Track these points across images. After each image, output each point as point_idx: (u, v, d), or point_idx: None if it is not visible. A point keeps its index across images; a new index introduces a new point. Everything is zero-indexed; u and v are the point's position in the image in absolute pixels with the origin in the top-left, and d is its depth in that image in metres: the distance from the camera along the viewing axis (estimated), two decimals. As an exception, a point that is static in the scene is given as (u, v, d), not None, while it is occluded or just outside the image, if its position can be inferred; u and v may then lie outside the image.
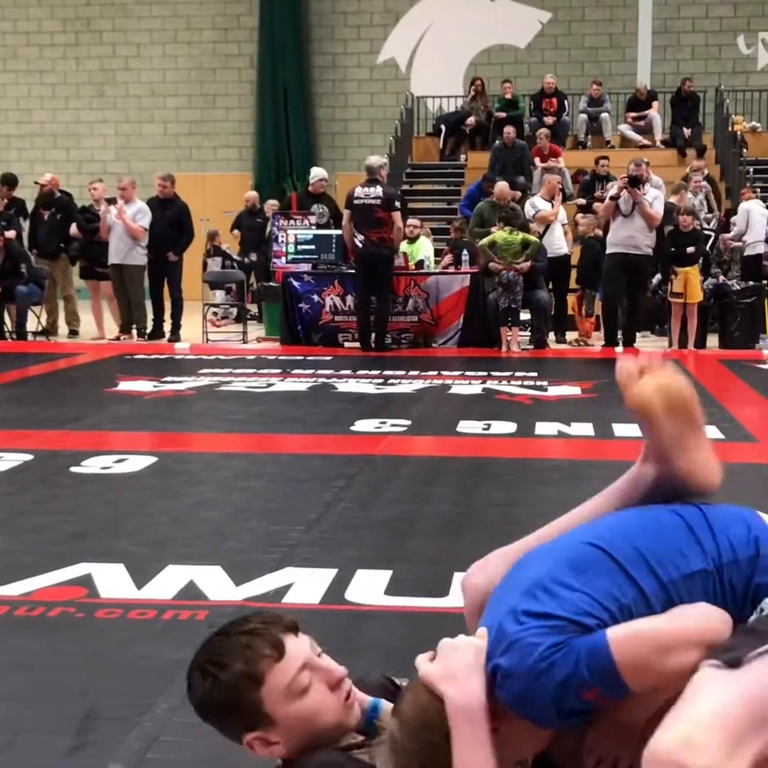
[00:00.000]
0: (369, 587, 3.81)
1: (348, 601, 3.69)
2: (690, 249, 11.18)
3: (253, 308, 14.36)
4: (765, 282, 12.11)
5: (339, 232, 11.67)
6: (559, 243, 12.36)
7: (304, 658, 1.82)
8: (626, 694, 1.75)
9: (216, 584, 3.81)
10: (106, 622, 3.46)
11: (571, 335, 12.38)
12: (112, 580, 3.83)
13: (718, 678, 1.65)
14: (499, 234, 11.23)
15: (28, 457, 6.00)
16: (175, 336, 12.48)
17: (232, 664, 1.77)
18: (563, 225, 12.70)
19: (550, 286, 12.16)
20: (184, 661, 3.11)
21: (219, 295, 14.46)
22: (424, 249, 12.48)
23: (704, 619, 1.79)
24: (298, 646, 1.83)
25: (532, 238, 11.34)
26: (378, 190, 11.05)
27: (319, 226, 12.28)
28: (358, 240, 10.99)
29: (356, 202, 11.02)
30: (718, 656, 1.69)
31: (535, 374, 9.51)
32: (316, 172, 13.45)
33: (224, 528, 4.65)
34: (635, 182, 10.95)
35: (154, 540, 4.43)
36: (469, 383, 9.06)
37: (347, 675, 1.88)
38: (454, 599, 3.65)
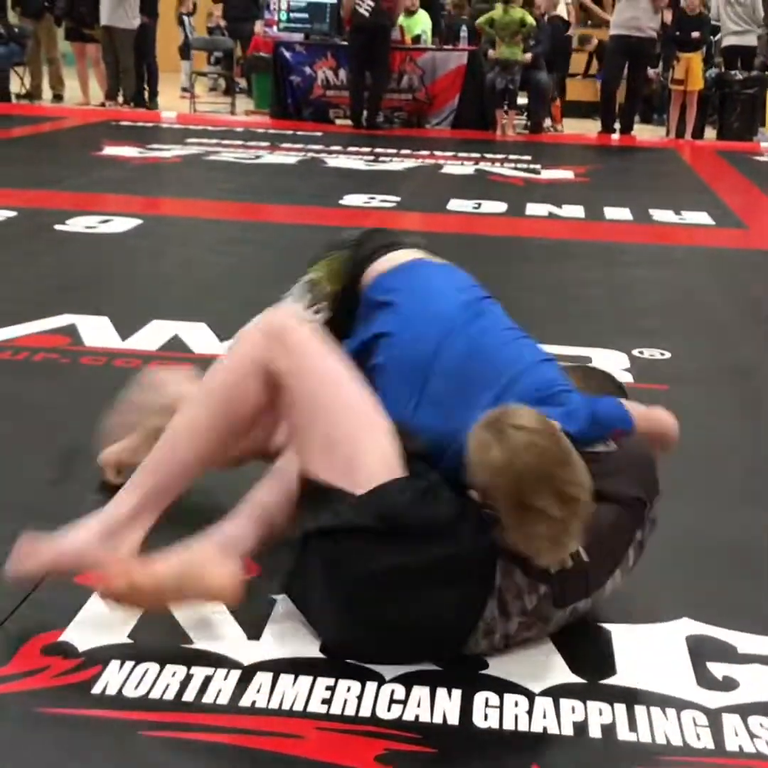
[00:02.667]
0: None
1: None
2: (695, 34, 10.81)
3: (243, 81, 13.94)
4: (767, 73, 11.80)
5: (332, 0, 11.20)
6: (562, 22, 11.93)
7: None
8: None
9: (201, 339, 3.82)
10: (90, 368, 3.48)
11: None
12: (97, 331, 3.83)
13: None
14: (497, 11, 10.78)
15: (12, 213, 5.91)
16: (154, 103, 12.12)
17: None
18: (567, 4, 12.23)
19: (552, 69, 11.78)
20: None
21: (185, 66, 13.92)
22: (421, 23, 12.02)
23: None
24: None
25: (529, 17, 10.86)
26: (391, -43, 10.56)
27: None
28: (363, 8, 10.50)
29: None
30: None
31: (529, 157, 9.34)
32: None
33: (211, 287, 4.63)
34: None
35: (140, 296, 4.42)
36: (462, 164, 8.90)
37: None
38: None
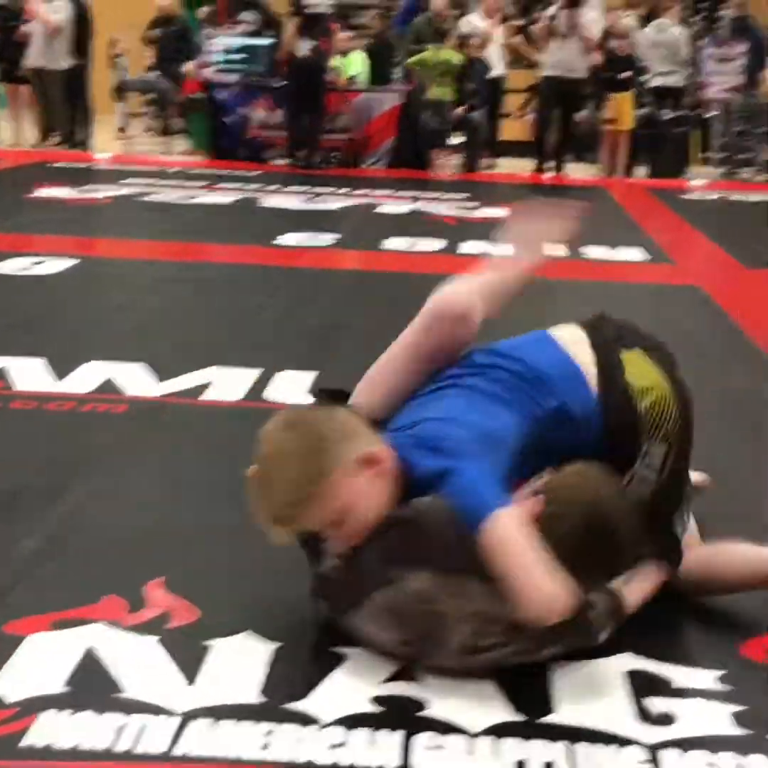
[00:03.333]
0: (292, 387, 3.81)
1: (266, 400, 3.69)
2: (624, 74, 11.01)
3: (179, 122, 13.91)
4: (697, 112, 12.05)
5: (269, 41, 11.26)
6: (494, 64, 12.06)
7: None
8: None
9: (136, 380, 3.79)
10: (22, 412, 3.43)
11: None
12: (29, 374, 3.78)
13: None
14: (428, 52, 10.87)
15: (-58, 256, 5.84)
16: (88, 145, 12.05)
17: None
18: (500, 46, 12.37)
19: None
20: (102, 447, 3.14)
21: (119, 108, 13.85)
22: (356, 64, 12.12)
23: None
24: None
25: (457, 57, 10.91)
26: (327, -1, 10.68)
27: (248, 35, 11.79)
28: (302, 50, 10.56)
29: (308, 9, 10.58)
30: None
31: (464, 196, 9.42)
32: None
33: (146, 328, 4.60)
34: (575, 2, 10.70)
35: (74, 337, 4.37)
36: (398, 203, 8.95)
37: None
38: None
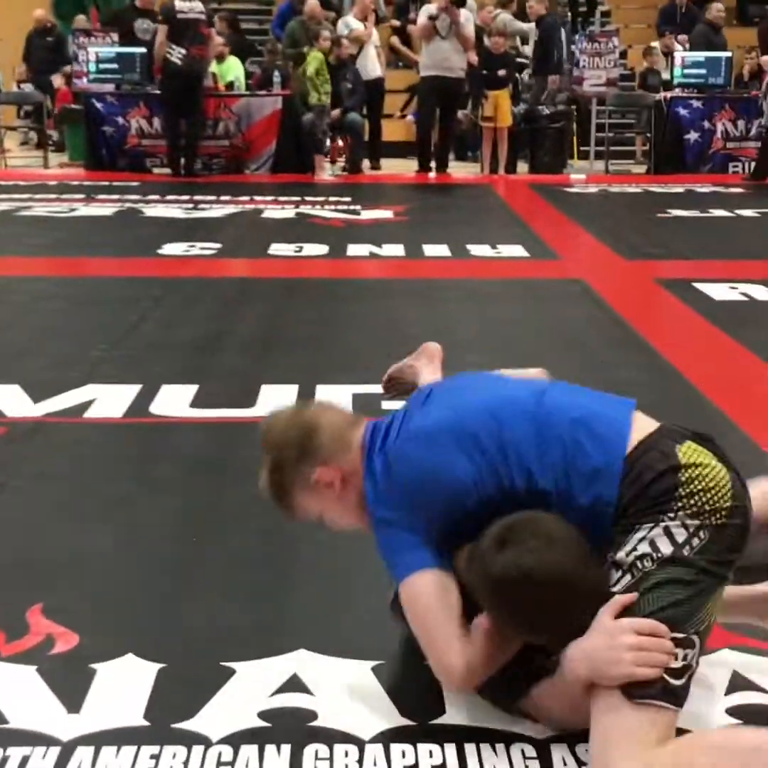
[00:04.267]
0: (174, 401, 3.76)
1: (152, 414, 3.63)
2: (501, 72, 11.13)
3: (55, 134, 13.66)
4: (574, 107, 12.24)
5: (142, 49, 11.11)
6: (372, 65, 12.08)
7: None
8: None
9: (14, 402, 3.69)
10: None
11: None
12: None
13: None
14: (315, 56, 10.80)
15: None
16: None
17: None
18: (376, 47, 12.40)
19: (365, 111, 11.94)
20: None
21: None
22: (234, 69, 12.03)
23: None
24: None
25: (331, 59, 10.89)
26: (199, 4, 10.54)
27: (146, 44, 11.52)
28: (175, 56, 10.44)
29: (180, 15, 10.45)
30: None
31: (349, 199, 9.42)
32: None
33: (23, 348, 4.49)
34: (460, 2, 10.81)
35: (-53, 360, 4.26)
36: (282, 208, 8.92)
37: None
38: (261, 409, 3.65)
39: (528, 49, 12.40)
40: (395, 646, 2.15)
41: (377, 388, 3.91)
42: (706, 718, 1.93)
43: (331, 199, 9.43)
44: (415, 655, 1.96)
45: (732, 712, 1.96)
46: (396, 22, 14.31)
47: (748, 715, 1.95)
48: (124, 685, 2.03)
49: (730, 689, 2.03)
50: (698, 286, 5.75)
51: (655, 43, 13.36)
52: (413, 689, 2.02)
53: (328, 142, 11.04)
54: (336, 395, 3.81)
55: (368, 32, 12.06)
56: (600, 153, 12.13)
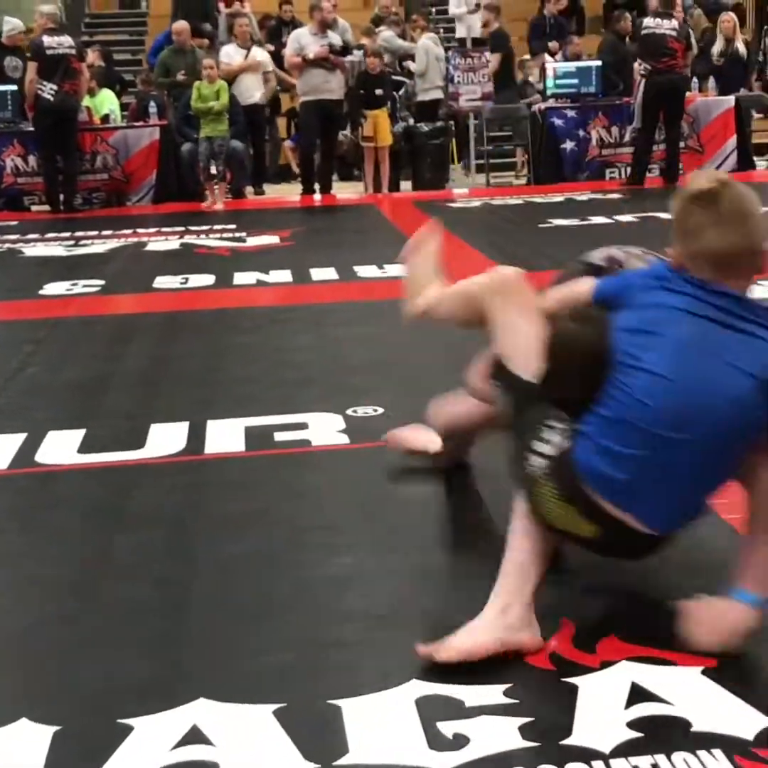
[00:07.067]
0: (61, 447, 3.67)
1: (39, 463, 3.54)
2: (378, 91, 11.20)
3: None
4: (451, 123, 12.38)
5: (13, 87, 10.91)
6: (249, 92, 12.02)
7: None
8: None
9: None
10: None
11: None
12: None
13: None
14: (197, 86, 10.64)
15: None
16: None
17: None
18: (266, 72, 12.31)
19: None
20: None
21: None
22: (108, 102, 11.88)
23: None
24: None
25: (224, 94, 10.81)
26: (69, 39, 10.41)
27: (16, 82, 11.27)
28: (46, 92, 10.26)
29: (49, 51, 10.29)
30: None
31: (234, 226, 9.36)
32: (14, 24, 12.08)
33: None
34: (341, 53, 10.97)
35: None
36: (166, 239, 8.83)
37: None
38: (151, 450, 3.59)
39: (414, 66, 12.48)
40: (296, 687, 2.13)
41: (270, 420, 3.91)
42: (607, 732, 1.94)
43: (216, 227, 9.36)
44: (319, 698, 1.93)
45: (632, 724, 1.97)
46: (270, 47, 14.28)
47: (648, 727, 1.96)
48: (18, 751, 1.96)
49: (630, 702, 2.04)
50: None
51: (527, 56, 13.58)
52: (316, 731, 1.99)
53: (213, 169, 10.92)
54: (228, 430, 3.78)
55: (253, 62, 11.93)
56: (481, 166, 12.28)
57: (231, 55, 11.92)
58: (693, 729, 1.93)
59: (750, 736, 1.90)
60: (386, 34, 12.89)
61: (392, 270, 6.99)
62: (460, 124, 12.75)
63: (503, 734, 1.94)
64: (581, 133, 11.81)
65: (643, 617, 2.38)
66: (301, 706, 2.08)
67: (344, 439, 3.65)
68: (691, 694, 2.05)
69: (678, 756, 1.85)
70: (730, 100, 12.00)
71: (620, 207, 9.60)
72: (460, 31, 12.82)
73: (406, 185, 12.01)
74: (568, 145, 11.79)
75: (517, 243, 8.03)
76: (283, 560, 2.76)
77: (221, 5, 15.27)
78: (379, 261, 7.24)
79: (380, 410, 3.94)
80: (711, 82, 12.38)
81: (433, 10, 15.84)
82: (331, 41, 11.09)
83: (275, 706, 2.08)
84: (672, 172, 10.99)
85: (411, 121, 12.39)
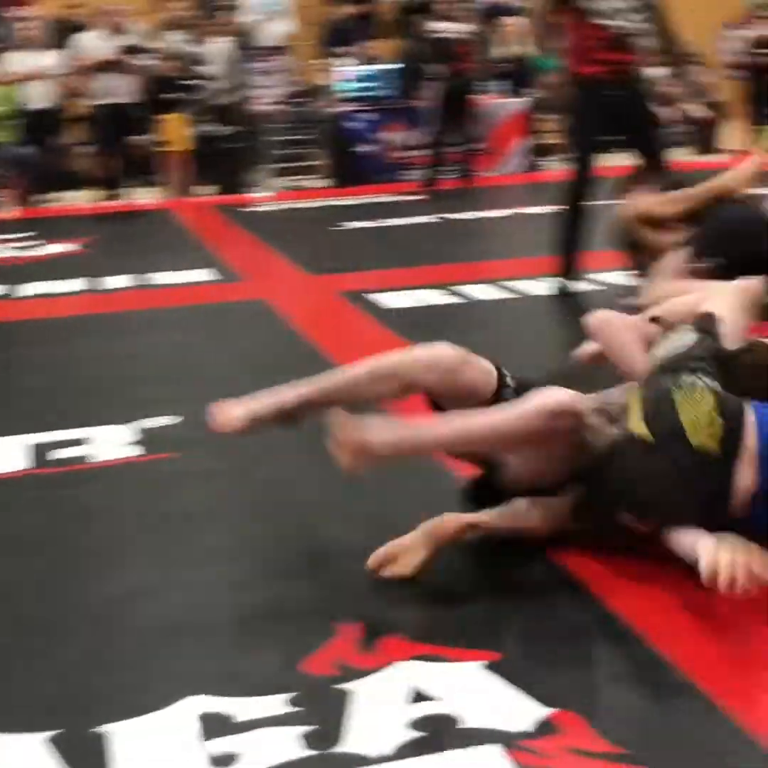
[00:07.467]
0: None
1: None
2: (171, 95, 11.05)
3: None
4: (247, 127, 12.32)
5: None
6: (38, 97, 11.61)
7: None
8: None
9: None
10: None
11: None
12: None
13: None
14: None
15: None
16: None
17: None
18: (54, 77, 11.90)
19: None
20: None
21: None
22: None
23: None
24: None
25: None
26: None
27: None
28: None
29: None
30: None
31: (26, 234, 9.06)
32: None
33: None
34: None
35: None
36: (-51, 251, 8.47)
37: None
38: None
39: (213, 70, 12.34)
40: (70, 712, 2.05)
41: (60, 435, 3.76)
42: (384, 735, 1.93)
43: (8, 236, 9.03)
44: (93, 723, 1.86)
45: (415, 724, 1.98)
46: (59, 51, 13.87)
47: (431, 724, 1.98)
48: None
49: (410, 702, 2.04)
50: (378, 296, 5.89)
51: (323, 60, 13.62)
52: (90, 757, 1.92)
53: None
54: (16, 446, 3.64)
55: (42, 66, 11.55)
56: (281, 170, 12.26)
57: (18, 60, 11.53)
58: (467, 725, 1.95)
59: (524, 727, 1.93)
60: (178, 38, 12.70)
61: (189, 276, 6.91)
62: (257, 128, 12.69)
63: (280, 744, 1.91)
64: (377, 136, 11.94)
65: (426, 616, 2.40)
66: (76, 732, 2.00)
67: (136, 452, 3.56)
68: (470, 689, 2.06)
69: (450, 754, 1.86)
70: (520, 102, 12.37)
71: (416, 208, 9.75)
72: (258, 37, 12.79)
73: (205, 189, 11.88)
74: (365, 147, 11.91)
75: (317, 246, 8.05)
76: (58, 582, 2.66)
77: (8, 8, 14.76)
78: (175, 267, 7.14)
79: (177, 419, 3.85)
80: (501, 84, 12.72)
81: (227, 14, 15.71)
82: (122, 44, 10.87)
83: (51, 733, 2.00)
84: (465, 173, 11.24)
85: (209, 127, 12.25)
